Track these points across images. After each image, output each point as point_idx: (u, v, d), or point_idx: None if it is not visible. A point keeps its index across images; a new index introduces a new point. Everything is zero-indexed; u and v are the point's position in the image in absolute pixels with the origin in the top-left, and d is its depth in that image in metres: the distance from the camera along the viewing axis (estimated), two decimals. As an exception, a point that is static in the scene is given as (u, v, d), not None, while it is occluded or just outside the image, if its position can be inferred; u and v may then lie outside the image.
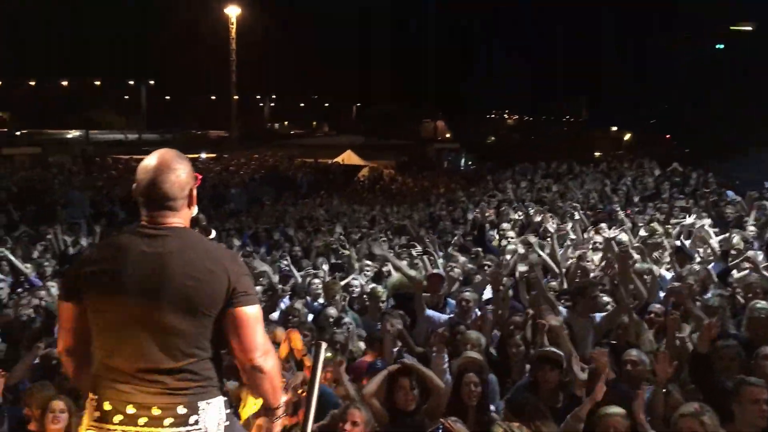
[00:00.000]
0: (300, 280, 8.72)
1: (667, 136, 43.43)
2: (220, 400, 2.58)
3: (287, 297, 7.93)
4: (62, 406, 4.52)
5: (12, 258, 9.29)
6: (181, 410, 2.46)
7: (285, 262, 9.56)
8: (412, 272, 7.86)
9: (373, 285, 8.12)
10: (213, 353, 2.56)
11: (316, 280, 8.10)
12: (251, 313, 2.53)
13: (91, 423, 2.50)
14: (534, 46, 59.12)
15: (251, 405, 3.56)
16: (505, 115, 68.86)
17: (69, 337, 2.64)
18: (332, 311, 6.92)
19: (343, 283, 8.15)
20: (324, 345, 3.08)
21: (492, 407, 4.85)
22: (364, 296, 7.87)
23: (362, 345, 6.31)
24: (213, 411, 2.52)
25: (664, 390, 4.48)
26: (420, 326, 6.55)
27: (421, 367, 4.86)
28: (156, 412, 2.44)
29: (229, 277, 2.49)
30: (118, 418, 2.45)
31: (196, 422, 2.48)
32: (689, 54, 41.63)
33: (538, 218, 11.01)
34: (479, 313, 6.82)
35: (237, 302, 2.50)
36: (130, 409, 2.45)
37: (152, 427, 2.44)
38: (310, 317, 7.16)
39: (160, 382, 2.46)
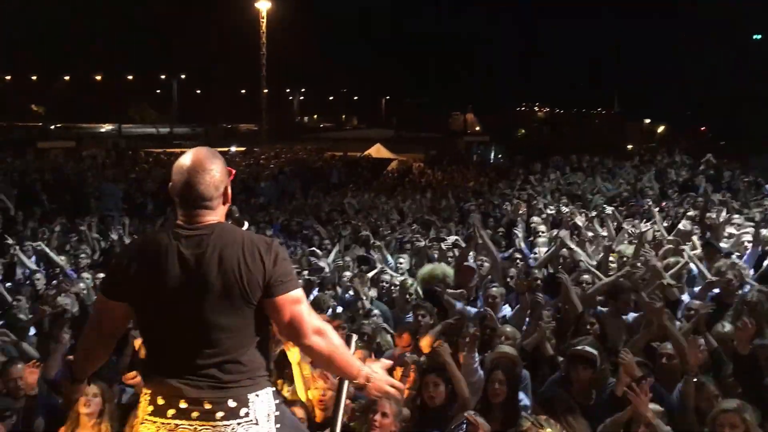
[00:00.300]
0: (329, 271, 8.70)
1: (702, 128, 42.73)
2: (269, 390, 2.62)
3: (316, 288, 7.93)
4: (95, 390, 4.55)
5: (48, 251, 9.43)
6: (232, 403, 2.50)
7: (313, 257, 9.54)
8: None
9: (403, 278, 8.08)
10: (259, 344, 2.61)
11: (347, 273, 8.09)
12: (292, 297, 2.55)
13: (146, 417, 2.55)
14: (565, 38, 58.41)
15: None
16: (536, 108, 68.25)
17: (94, 327, 2.71)
18: (362, 303, 6.93)
19: (370, 275, 8.14)
20: (355, 337, 3.08)
21: (525, 401, 4.79)
22: (392, 288, 7.84)
23: (389, 338, 6.31)
24: (262, 402, 2.57)
25: (695, 379, 4.40)
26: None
27: (452, 369, 4.79)
28: (207, 406, 2.49)
29: (265, 268, 2.50)
30: (171, 412, 2.50)
31: (247, 414, 2.52)
32: (726, 45, 40.88)
33: (568, 211, 10.88)
34: (508, 309, 6.78)
35: (276, 291, 2.52)
36: (183, 404, 2.50)
37: (205, 420, 2.48)
38: (339, 309, 7.16)
39: (209, 377, 2.50)
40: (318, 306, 6.98)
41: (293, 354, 5.01)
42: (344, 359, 2.67)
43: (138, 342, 5.65)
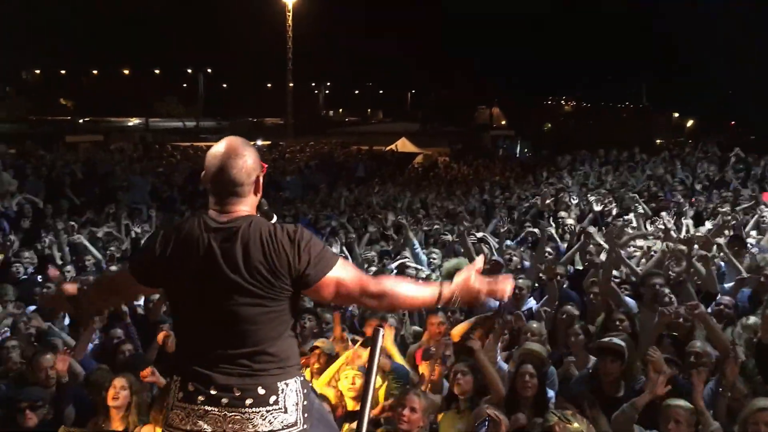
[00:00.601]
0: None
1: (732, 122, 42.07)
2: (299, 380, 2.64)
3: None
4: (123, 383, 4.61)
5: (87, 244, 9.57)
6: (261, 391, 2.53)
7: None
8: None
9: (427, 272, 8.08)
10: (289, 334, 2.62)
11: (372, 269, 8.08)
12: (330, 279, 2.55)
13: (176, 403, 2.58)
14: (592, 30, 57.66)
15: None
16: (562, 101, 67.66)
17: (115, 291, 2.91)
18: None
19: (393, 265, 8.13)
20: (382, 330, 3.07)
21: (551, 397, 4.77)
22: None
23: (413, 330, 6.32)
24: (292, 391, 2.58)
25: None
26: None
27: (486, 365, 4.76)
28: (237, 393, 2.51)
29: (290, 262, 2.50)
30: (201, 398, 2.53)
31: (276, 402, 2.54)
32: (754, 38, 40.13)
33: (597, 207, 10.77)
34: (533, 302, 6.73)
35: (311, 280, 2.53)
36: (212, 391, 2.52)
37: (234, 407, 2.51)
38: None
39: (239, 365, 2.53)
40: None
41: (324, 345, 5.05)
42: (408, 295, 2.63)
43: (161, 336, 5.73)
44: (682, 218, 9.97)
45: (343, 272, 2.58)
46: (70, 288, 2.93)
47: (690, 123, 46.29)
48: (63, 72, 55.17)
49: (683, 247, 7.03)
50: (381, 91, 66.97)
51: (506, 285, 2.71)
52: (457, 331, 5.40)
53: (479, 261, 2.74)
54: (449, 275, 7.75)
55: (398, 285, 2.65)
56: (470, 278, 2.65)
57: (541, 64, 54.30)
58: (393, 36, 55.27)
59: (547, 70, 54.76)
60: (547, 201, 11.37)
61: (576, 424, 3.34)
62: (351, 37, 53.87)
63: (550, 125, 53.96)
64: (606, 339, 4.94)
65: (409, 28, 55.08)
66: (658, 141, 32.48)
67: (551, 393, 4.86)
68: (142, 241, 2.68)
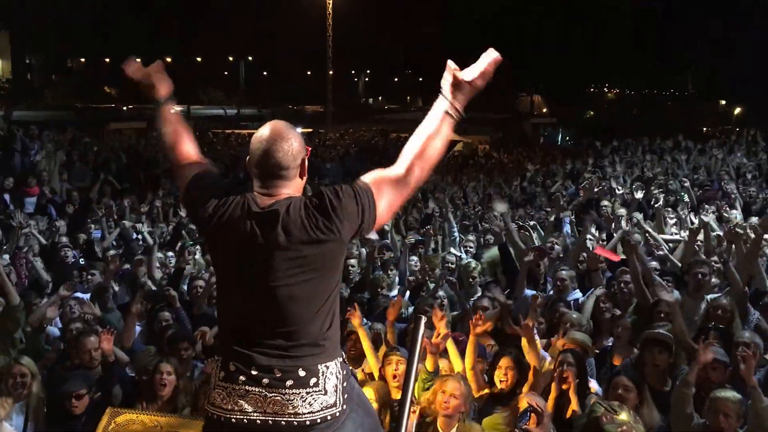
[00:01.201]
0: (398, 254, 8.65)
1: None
2: (339, 362, 2.64)
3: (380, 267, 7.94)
4: (169, 368, 4.68)
5: (144, 229, 9.75)
6: (301, 372, 2.53)
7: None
8: (521, 243, 7.70)
9: (468, 260, 8.03)
10: (330, 316, 2.61)
11: (414, 258, 8.04)
12: (382, 211, 2.57)
13: (218, 383, 2.60)
14: (636, 16, 56.36)
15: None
16: (605, 89, 66.41)
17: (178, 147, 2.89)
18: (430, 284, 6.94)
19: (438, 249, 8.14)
20: (424, 318, 3.07)
21: (596, 388, 4.71)
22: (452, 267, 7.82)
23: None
24: (332, 373, 2.59)
25: None
26: (518, 304, 6.38)
27: (536, 352, 4.72)
28: (277, 374, 2.53)
29: (336, 228, 2.49)
30: (242, 378, 2.55)
31: (316, 384, 2.55)
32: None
33: (639, 195, 10.58)
34: (579, 293, 6.65)
35: (367, 227, 2.57)
36: (253, 371, 2.54)
37: (274, 388, 2.52)
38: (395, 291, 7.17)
39: (280, 346, 2.53)
40: (377, 285, 7.03)
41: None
42: (431, 138, 2.63)
43: (201, 333, 5.83)
44: (731, 209, 9.73)
45: (385, 200, 2.58)
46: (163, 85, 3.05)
47: (737, 111, 45.02)
48: (107, 60, 56.07)
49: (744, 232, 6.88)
50: (420, 79, 66.62)
51: (488, 56, 2.67)
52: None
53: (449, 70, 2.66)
54: (491, 265, 7.75)
55: (414, 148, 2.62)
56: (458, 77, 2.63)
57: (584, 50, 53.33)
58: (433, 23, 54.86)
59: (590, 56, 53.78)
60: (595, 189, 11.16)
61: (624, 415, 3.28)
62: (391, 24, 53.58)
63: (592, 113, 53.03)
64: (652, 330, 4.88)
65: (449, 15, 54.62)
66: (704, 129, 31.69)
67: (594, 383, 4.80)
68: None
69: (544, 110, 52.69)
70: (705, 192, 11.49)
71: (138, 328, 6.19)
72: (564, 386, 4.46)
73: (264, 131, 2.61)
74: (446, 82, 2.66)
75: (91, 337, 5.19)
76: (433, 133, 2.64)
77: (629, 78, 57.56)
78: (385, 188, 2.60)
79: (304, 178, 2.68)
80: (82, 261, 8.65)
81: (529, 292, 6.52)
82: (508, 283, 7.23)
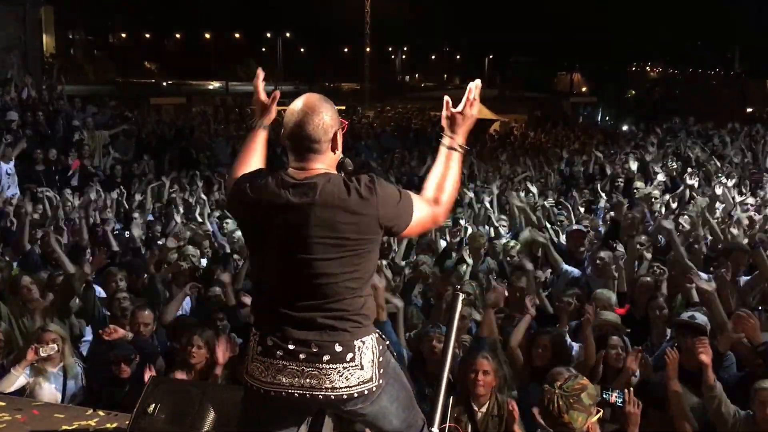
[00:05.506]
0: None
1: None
2: (375, 337, 2.66)
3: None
4: (200, 342, 4.75)
5: (209, 226, 9.68)
6: (338, 347, 2.56)
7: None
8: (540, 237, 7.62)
9: (505, 240, 8.02)
10: (366, 291, 2.65)
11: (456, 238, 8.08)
12: (415, 223, 2.64)
13: (256, 356, 2.65)
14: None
15: None
16: (647, 68, 64.96)
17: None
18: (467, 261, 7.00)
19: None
20: (461, 295, 3.09)
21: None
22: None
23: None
24: (368, 348, 2.62)
25: None
26: (559, 282, 6.43)
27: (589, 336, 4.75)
28: (314, 349, 2.56)
29: (371, 216, 2.52)
30: (279, 353, 2.59)
31: (353, 359, 2.58)
32: None
33: (689, 181, 10.36)
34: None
35: (397, 229, 2.63)
36: (291, 346, 2.58)
37: (311, 363, 2.56)
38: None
39: (316, 321, 2.56)
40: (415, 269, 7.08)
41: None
42: (441, 174, 2.76)
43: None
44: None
45: (419, 213, 2.65)
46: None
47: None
48: (148, 36, 56.59)
49: None
50: (458, 56, 65.94)
51: (472, 84, 2.89)
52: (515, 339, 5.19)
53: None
54: (527, 245, 7.72)
55: (432, 185, 2.74)
56: (450, 111, 2.85)
57: (626, 27, 52.14)
58: (470, 0, 54.17)
59: (631, 34, 52.58)
60: (633, 167, 10.99)
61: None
62: (428, 1, 53.02)
63: (634, 92, 52.00)
64: (687, 315, 4.84)
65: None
66: (750, 110, 30.89)
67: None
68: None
69: (584, 89, 51.81)
70: (751, 176, 11.26)
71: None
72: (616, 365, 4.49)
73: (297, 104, 2.61)
74: (443, 118, 2.84)
75: (145, 311, 5.42)
76: (444, 170, 2.77)
77: (672, 56, 56.14)
78: (421, 204, 2.69)
79: (338, 152, 2.67)
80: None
81: (570, 269, 6.61)
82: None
